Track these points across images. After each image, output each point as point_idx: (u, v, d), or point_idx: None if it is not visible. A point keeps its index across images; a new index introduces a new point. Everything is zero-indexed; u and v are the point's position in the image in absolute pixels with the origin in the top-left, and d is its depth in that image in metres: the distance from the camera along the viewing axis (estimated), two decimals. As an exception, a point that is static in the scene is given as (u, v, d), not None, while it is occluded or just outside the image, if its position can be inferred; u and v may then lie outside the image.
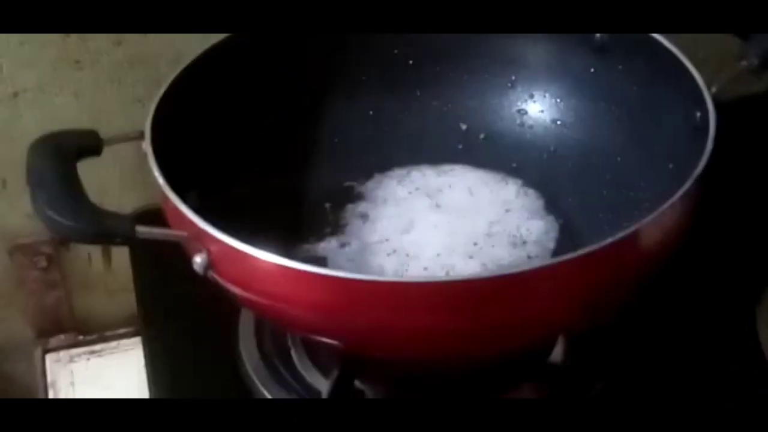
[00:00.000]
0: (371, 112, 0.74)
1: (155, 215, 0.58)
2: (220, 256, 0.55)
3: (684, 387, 0.58)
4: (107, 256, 0.83)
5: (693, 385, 0.62)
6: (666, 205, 0.54)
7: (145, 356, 0.69)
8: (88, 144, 0.60)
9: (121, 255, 0.80)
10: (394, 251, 0.66)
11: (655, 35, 0.65)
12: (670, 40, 0.64)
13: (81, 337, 0.84)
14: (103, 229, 0.54)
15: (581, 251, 0.53)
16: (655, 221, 0.54)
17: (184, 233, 0.56)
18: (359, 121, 0.74)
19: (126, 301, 0.78)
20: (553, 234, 0.68)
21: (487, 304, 0.53)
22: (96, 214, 0.54)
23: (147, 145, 0.59)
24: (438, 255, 0.66)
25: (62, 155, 0.57)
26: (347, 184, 0.72)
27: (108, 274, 0.84)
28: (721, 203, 0.69)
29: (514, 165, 0.72)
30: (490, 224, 0.68)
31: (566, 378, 0.60)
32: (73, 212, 0.53)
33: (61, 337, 0.84)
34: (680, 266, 0.61)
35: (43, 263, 0.82)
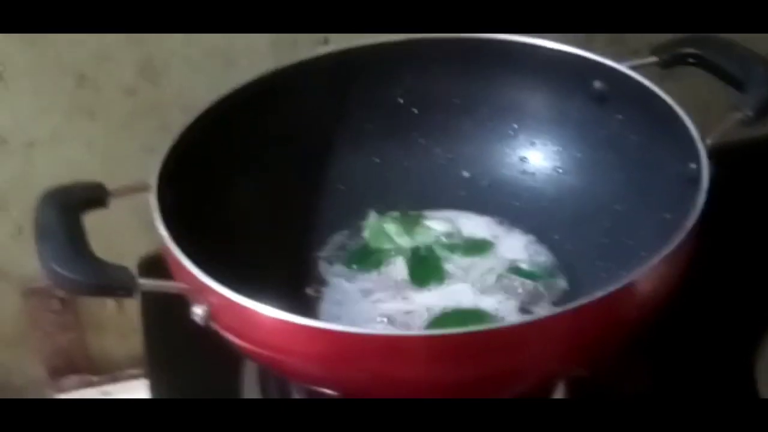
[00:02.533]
0: (376, 159, 0.75)
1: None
2: (220, 309, 0.56)
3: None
4: (120, 299, 0.85)
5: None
6: (658, 258, 0.55)
7: (151, 401, 0.70)
8: (94, 197, 0.61)
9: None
10: (395, 298, 0.67)
11: (653, 87, 0.66)
12: (668, 91, 0.65)
13: (93, 378, 0.86)
14: (106, 282, 0.55)
15: (574, 304, 0.54)
16: (647, 273, 0.55)
17: (186, 285, 0.57)
18: (364, 168, 0.75)
19: (138, 342, 0.79)
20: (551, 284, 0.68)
21: (485, 356, 0.54)
22: (99, 266, 0.55)
23: (152, 198, 0.61)
24: (439, 303, 0.66)
25: (68, 208, 0.59)
26: (351, 230, 0.73)
27: (120, 317, 0.86)
28: (720, 251, 0.69)
29: (516, 212, 0.73)
30: (490, 270, 0.69)
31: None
32: (75, 265, 0.55)
33: (74, 378, 0.86)
34: (678, 315, 0.61)
35: (57, 306, 0.84)
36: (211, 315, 0.57)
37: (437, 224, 0.73)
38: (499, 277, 0.68)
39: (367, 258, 0.71)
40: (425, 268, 0.69)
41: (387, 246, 0.71)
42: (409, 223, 0.73)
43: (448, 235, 0.72)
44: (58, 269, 0.55)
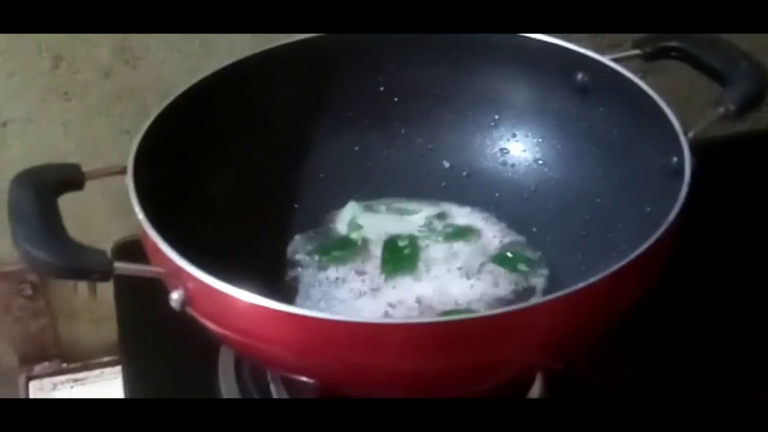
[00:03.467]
0: (356, 148, 0.75)
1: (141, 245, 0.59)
2: (197, 293, 0.55)
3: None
4: (92, 285, 0.83)
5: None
6: (638, 252, 0.55)
7: (124, 388, 0.69)
8: (70, 178, 0.60)
9: (107, 284, 0.80)
10: (372, 289, 0.66)
11: (635, 80, 0.65)
12: (650, 85, 0.65)
13: (65, 365, 0.85)
14: (81, 264, 0.54)
15: (552, 295, 0.53)
16: (627, 267, 0.54)
17: (162, 269, 0.56)
18: (344, 157, 0.74)
19: (111, 329, 0.79)
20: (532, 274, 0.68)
21: (463, 346, 0.54)
22: (74, 249, 0.54)
23: (129, 180, 0.60)
24: (417, 294, 0.66)
25: (43, 189, 0.57)
26: (329, 218, 0.72)
27: (93, 303, 0.85)
28: (701, 245, 0.69)
29: (497, 202, 0.73)
30: (470, 260, 0.68)
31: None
32: (50, 247, 0.54)
33: (45, 365, 0.85)
34: (657, 309, 0.61)
35: (29, 291, 0.83)
36: (187, 300, 0.56)
37: (417, 214, 0.72)
38: (480, 266, 0.68)
39: (345, 247, 0.70)
40: (400, 258, 0.68)
41: (364, 235, 0.71)
42: (388, 213, 0.72)
43: (430, 223, 0.71)
44: (33, 251, 0.54)
